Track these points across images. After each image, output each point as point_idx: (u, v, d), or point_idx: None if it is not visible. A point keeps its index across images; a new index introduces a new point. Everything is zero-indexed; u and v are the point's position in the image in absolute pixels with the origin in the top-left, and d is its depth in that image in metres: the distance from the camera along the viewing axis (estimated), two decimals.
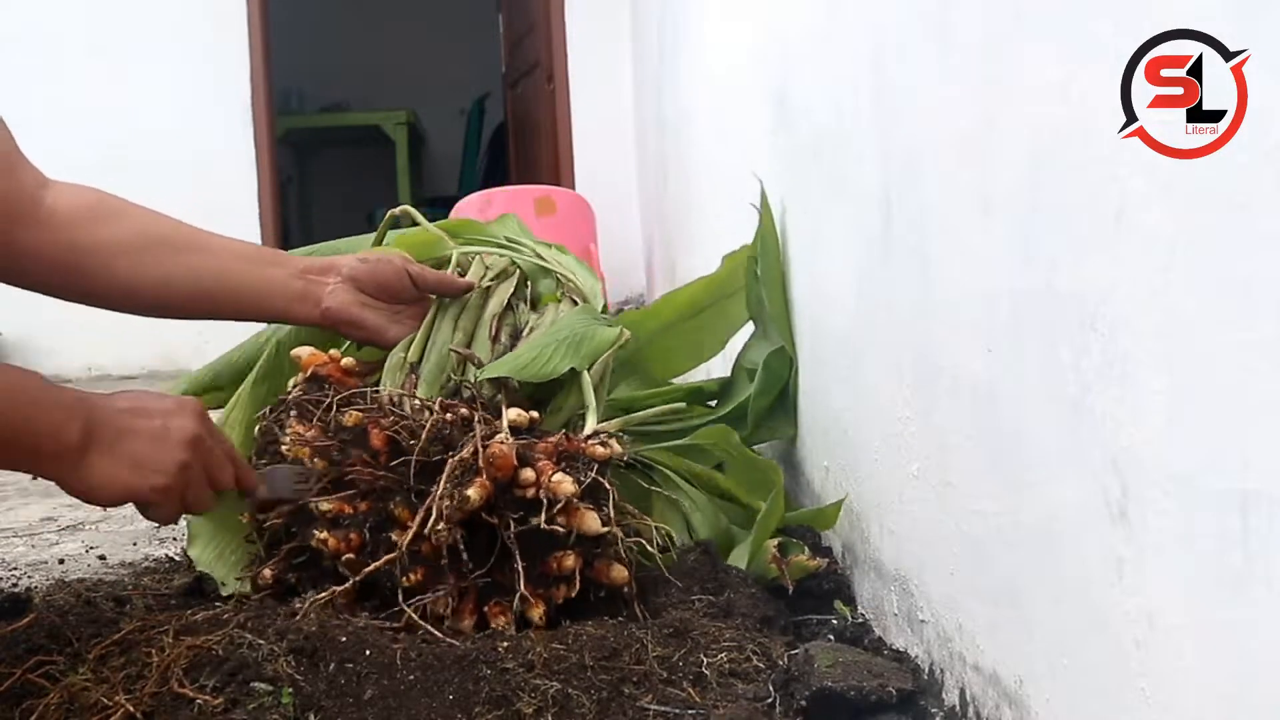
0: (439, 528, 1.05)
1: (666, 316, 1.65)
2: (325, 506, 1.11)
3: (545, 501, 1.07)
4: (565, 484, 1.07)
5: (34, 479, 1.01)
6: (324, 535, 1.10)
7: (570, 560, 1.09)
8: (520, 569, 1.06)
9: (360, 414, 1.14)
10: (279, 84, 5.17)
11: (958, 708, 0.98)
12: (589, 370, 1.29)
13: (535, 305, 1.44)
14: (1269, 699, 0.59)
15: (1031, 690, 0.85)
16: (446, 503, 1.05)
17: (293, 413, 1.18)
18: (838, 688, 0.97)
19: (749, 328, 1.69)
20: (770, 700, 0.99)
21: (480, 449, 1.08)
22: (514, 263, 1.47)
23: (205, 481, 1.06)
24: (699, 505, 1.37)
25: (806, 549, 1.29)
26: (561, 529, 1.07)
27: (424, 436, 1.10)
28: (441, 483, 1.06)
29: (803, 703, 0.97)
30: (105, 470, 0.98)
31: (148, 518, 1.07)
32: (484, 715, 0.94)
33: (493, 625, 1.08)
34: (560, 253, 1.56)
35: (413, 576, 1.07)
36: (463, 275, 1.38)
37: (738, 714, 0.96)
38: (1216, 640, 0.63)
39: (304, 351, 1.25)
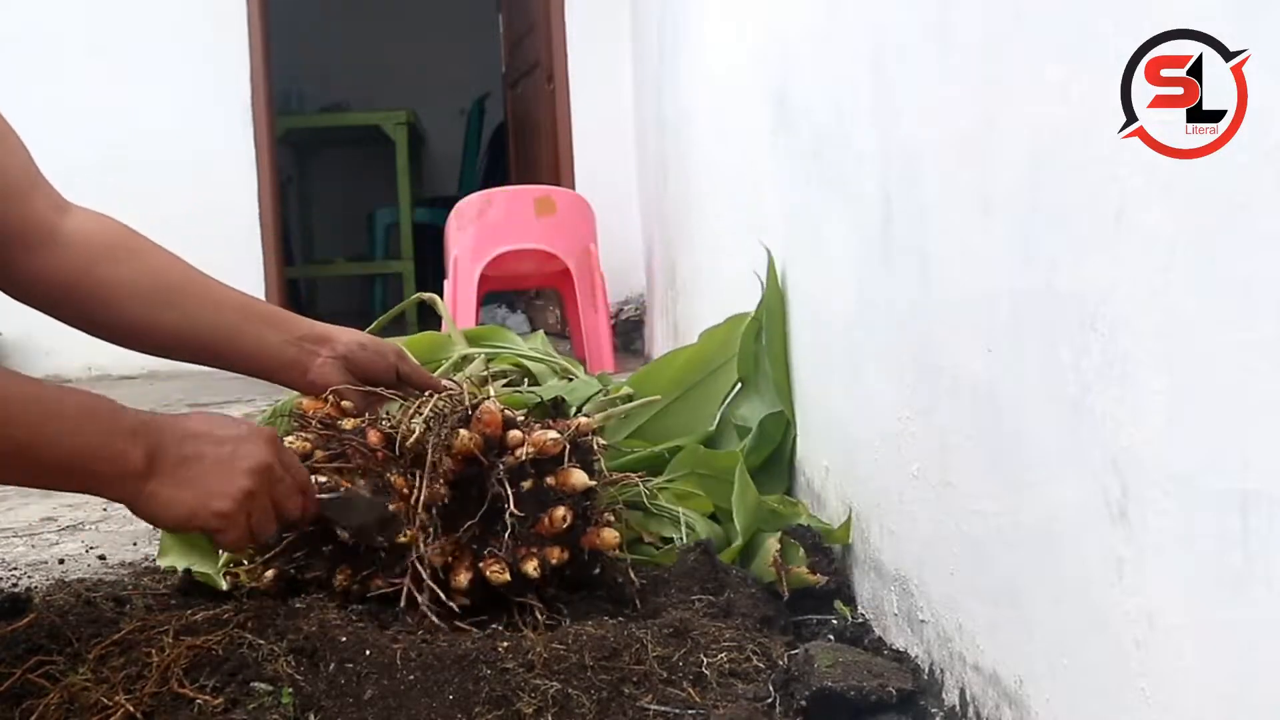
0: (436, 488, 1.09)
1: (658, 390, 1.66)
2: (323, 479, 1.13)
3: (531, 455, 1.12)
4: (549, 433, 1.12)
5: None
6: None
7: (561, 511, 1.11)
8: (510, 495, 1.09)
9: (358, 420, 1.19)
10: (279, 84, 5.16)
11: (958, 708, 0.98)
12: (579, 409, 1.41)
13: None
14: (1269, 699, 0.59)
15: (1031, 690, 0.85)
16: (436, 446, 1.09)
17: (295, 425, 1.20)
18: (838, 688, 0.97)
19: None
20: (770, 700, 0.99)
21: (470, 410, 1.14)
22: (521, 364, 1.55)
23: (271, 509, 1.03)
24: (694, 518, 1.40)
25: (803, 550, 1.29)
26: (550, 483, 1.12)
27: (422, 418, 1.14)
28: (433, 426, 1.11)
29: (803, 703, 0.97)
30: (167, 494, 0.97)
31: (219, 545, 1.05)
32: (484, 715, 0.94)
33: (488, 576, 1.09)
34: (573, 363, 1.68)
35: (410, 533, 1.10)
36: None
37: (738, 714, 0.96)
38: (1216, 640, 0.63)
39: (306, 400, 1.30)
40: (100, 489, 0.96)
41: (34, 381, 0.92)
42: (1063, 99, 0.77)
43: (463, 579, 1.10)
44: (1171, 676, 0.67)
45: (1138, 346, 0.69)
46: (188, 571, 1.28)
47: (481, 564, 1.10)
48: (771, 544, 1.28)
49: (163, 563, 1.32)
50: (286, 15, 5.53)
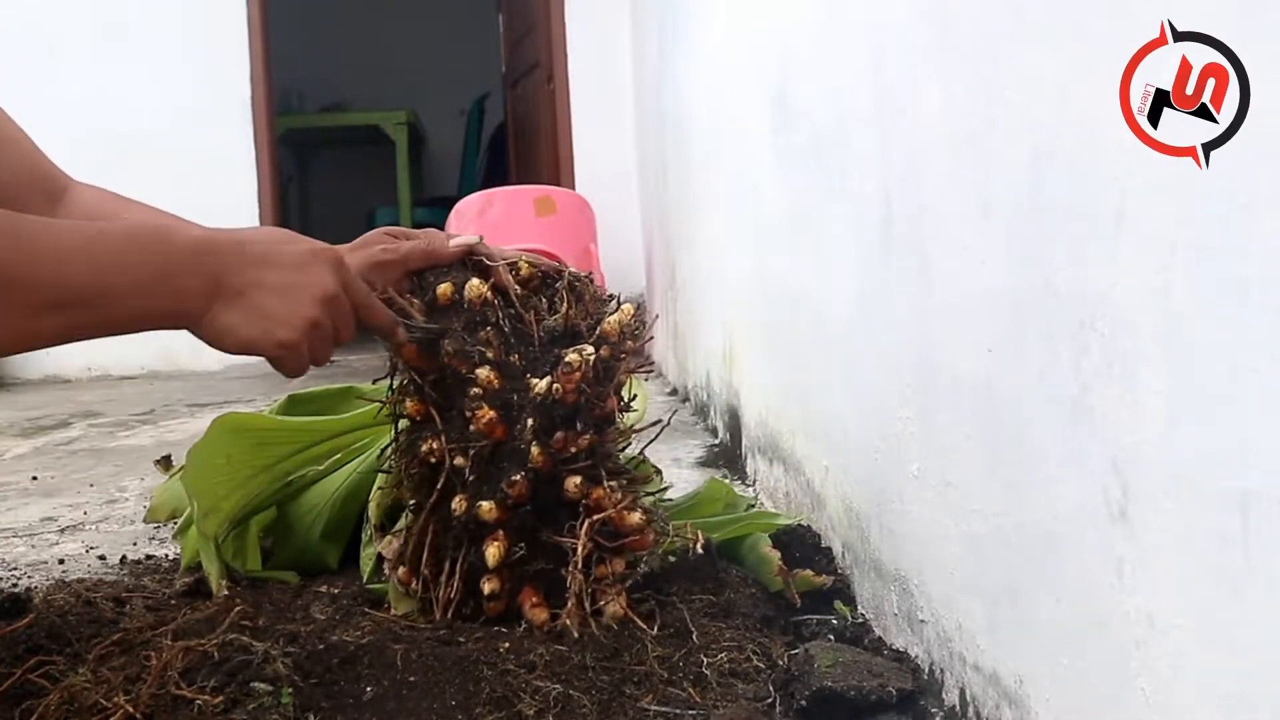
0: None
1: None
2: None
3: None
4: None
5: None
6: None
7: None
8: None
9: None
10: (279, 84, 5.17)
11: (958, 708, 0.98)
12: None
13: None
14: (1269, 699, 0.59)
15: (1031, 690, 0.85)
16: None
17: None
18: (838, 688, 0.97)
19: None
20: (770, 700, 0.99)
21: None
22: None
23: (331, 336, 1.02)
24: None
25: (801, 551, 1.29)
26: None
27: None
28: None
29: (803, 703, 0.97)
30: (229, 320, 0.96)
31: (276, 369, 1.02)
32: (485, 716, 0.94)
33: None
34: None
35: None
36: None
37: (738, 714, 0.96)
38: (1216, 640, 0.63)
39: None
40: (161, 323, 0.95)
41: (78, 226, 0.91)
42: (1063, 99, 0.77)
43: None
44: (1171, 676, 0.67)
45: (1138, 346, 0.69)
46: (198, 579, 1.28)
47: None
48: (769, 551, 1.27)
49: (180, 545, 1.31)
50: (286, 15, 5.54)
